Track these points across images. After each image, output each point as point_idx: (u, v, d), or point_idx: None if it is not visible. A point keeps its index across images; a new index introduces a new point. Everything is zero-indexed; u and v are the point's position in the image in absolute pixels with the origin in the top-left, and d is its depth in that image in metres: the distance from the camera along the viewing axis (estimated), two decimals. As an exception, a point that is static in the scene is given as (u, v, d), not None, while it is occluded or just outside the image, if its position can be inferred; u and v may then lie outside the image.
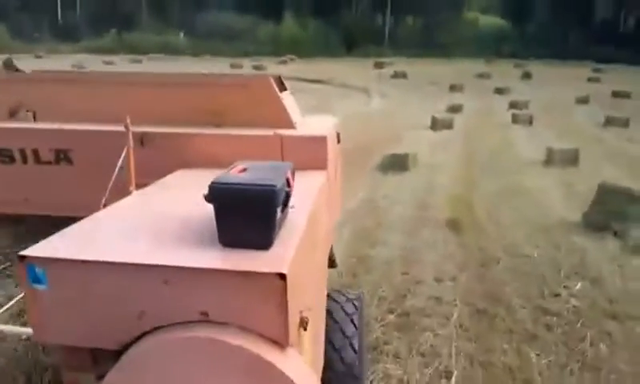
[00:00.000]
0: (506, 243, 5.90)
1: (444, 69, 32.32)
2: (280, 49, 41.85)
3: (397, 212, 7.09)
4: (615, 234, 6.03)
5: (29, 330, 2.31)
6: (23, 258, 1.74)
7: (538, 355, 3.72)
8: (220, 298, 1.65)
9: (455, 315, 4.27)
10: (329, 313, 2.74)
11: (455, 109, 17.89)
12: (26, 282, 1.74)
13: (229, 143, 3.06)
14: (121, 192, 2.64)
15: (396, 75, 29.68)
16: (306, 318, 1.83)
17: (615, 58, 36.05)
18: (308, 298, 2.01)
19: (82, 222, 2.14)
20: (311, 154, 2.98)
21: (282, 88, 3.55)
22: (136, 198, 2.59)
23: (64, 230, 2.02)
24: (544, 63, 35.70)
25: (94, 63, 32.02)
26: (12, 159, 3.43)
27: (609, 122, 16.09)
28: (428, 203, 7.49)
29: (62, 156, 3.37)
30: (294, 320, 1.69)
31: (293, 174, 2.05)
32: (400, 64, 33.38)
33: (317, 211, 2.38)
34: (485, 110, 18.89)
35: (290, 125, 3.29)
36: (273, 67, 31.81)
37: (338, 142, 3.70)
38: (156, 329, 1.70)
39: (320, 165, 3.00)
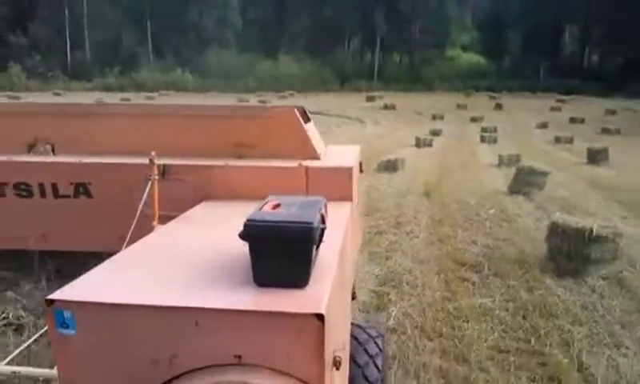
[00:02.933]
0: (457, 200, 9.75)
1: (428, 101, 36.81)
2: (278, 85, 45.76)
3: (391, 190, 10.88)
4: (524, 194, 9.92)
5: (48, 372, 2.41)
6: (51, 301, 1.69)
7: (463, 231, 7.56)
8: (254, 340, 1.62)
9: (423, 222, 8.11)
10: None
11: (436, 132, 21.89)
12: (54, 328, 1.70)
13: (253, 175, 3.05)
14: (143, 226, 2.61)
15: (386, 107, 34.04)
16: (339, 357, 1.78)
17: (578, 90, 40.80)
18: (340, 337, 2.02)
19: (109, 261, 2.10)
20: (337, 185, 2.94)
21: (306, 119, 3.58)
22: (162, 234, 2.53)
23: (91, 270, 1.98)
24: (515, 95, 40.48)
25: (111, 100, 35.18)
26: (30, 193, 3.41)
27: (557, 140, 20.21)
28: (411, 186, 11.31)
29: (81, 189, 3.35)
30: (328, 361, 1.67)
31: (326, 208, 2.03)
32: (389, 97, 37.75)
33: (345, 245, 2.35)
34: (460, 133, 22.93)
35: (314, 155, 3.30)
36: (275, 101, 35.65)
37: (361, 171, 3.77)
38: (187, 373, 1.67)
39: (345, 196, 2.96)
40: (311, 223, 1.73)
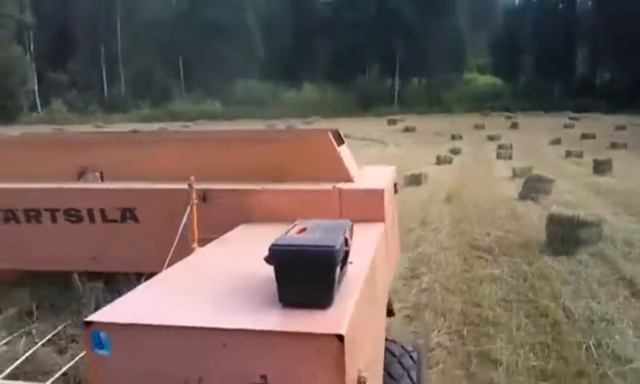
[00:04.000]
0: (474, 205, 11.32)
1: (446, 122, 38.45)
2: (303, 111, 47.62)
3: (417, 199, 12.50)
4: (532, 199, 11.45)
5: None
6: (88, 323, 1.77)
7: (479, 227, 9.15)
8: (278, 360, 1.67)
9: (446, 221, 9.71)
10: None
11: (455, 151, 23.46)
12: (90, 349, 1.78)
13: (288, 198, 3.16)
14: (184, 248, 2.74)
15: (406, 129, 35.80)
16: (363, 378, 1.81)
17: (591, 108, 42.12)
18: (366, 356, 2.05)
19: (146, 284, 2.21)
20: (369, 206, 3.05)
21: (340, 141, 3.66)
22: (198, 256, 2.67)
23: (128, 293, 2.08)
24: (530, 115, 41.90)
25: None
26: (80, 218, 3.56)
27: (568, 154, 21.68)
28: (434, 195, 12.91)
29: (128, 214, 3.47)
30: (351, 381, 1.71)
31: (351, 231, 2.10)
32: (409, 120, 39.52)
33: (375, 265, 2.42)
34: (478, 152, 24.49)
35: (347, 178, 3.39)
36: (302, 127, 37.65)
37: (396, 191, 3.86)
38: None
39: (378, 217, 3.07)
40: (333, 246, 1.81)
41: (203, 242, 2.82)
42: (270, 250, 1.83)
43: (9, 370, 3.08)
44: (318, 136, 3.57)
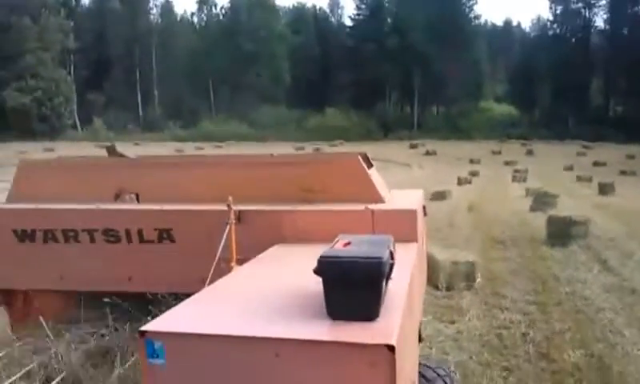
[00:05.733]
0: (492, 214, 13.72)
1: (465, 148, 41.00)
2: (328, 135, 50.28)
3: (443, 210, 14.92)
4: (540, 210, 13.84)
5: None
6: (143, 333, 1.82)
7: (495, 229, 11.58)
8: (330, 370, 1.70)
9: (468, 224, 12.15)
10: None
11: (474, 173, 25.94)
12: (144, 358, 1.82)
13: (321, 218, 3.24)
14: (222, 269, 2.83)
15: (427, 153, 38.44)
16: None
17: (604, 137, 44.42)
18: (409, 370, 2.10)
19: (195, 297, 2.26)
20: (402, 227, 3.07)
21: (369, 164, 3.80)
22: (241, 273, 2.74)
23: (179, 305, 2.15)
24: (545, 142, 44.41)
25: (188, 149, 40.72)
26: (118, 239, 3.67)
27: (579, 178, 24.00)
28: (458, 207, 15.34)
29: (165, 235, 3.58)
30: None
31: (394, 246, 2.15)
32: (429, 145, 42.11)
33: (413, 284, 2.47)
34: (495, 174, 26.89)
35: (379, 199, 3.49)
36: (329, 149, 40.17)
37: (425, 214, 3.95)
38: None
39: (410, 237, 3.11)
40: (381, 258, 1.89)
41: (239, 262, 2.96)
42: (319, 261, 1.91)
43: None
44: (348, 159, 3.71)
